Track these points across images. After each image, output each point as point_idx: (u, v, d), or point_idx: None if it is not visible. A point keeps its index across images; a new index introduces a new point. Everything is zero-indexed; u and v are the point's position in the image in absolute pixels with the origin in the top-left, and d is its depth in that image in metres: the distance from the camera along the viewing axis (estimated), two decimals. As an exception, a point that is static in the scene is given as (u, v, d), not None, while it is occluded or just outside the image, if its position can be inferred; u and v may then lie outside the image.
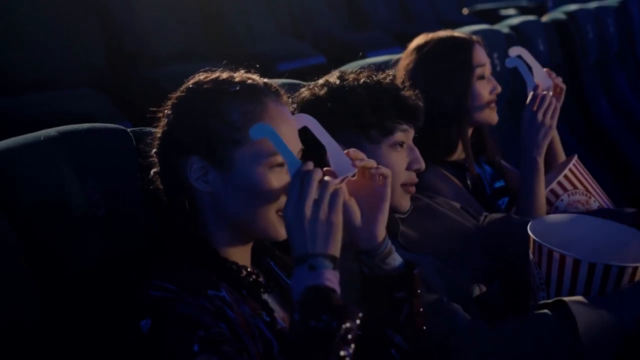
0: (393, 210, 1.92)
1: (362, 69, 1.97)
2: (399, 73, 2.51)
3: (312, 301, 1.35)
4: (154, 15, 3.90)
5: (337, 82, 1.93)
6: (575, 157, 2.58)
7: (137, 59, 3.54)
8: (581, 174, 2.54)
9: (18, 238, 1.46)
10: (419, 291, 1.61)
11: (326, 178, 1.42)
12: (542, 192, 2.42)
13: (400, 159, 1.94)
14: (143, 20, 3.80)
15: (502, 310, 2.23)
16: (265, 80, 1.57)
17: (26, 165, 1.50)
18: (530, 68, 2.54)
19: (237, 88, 1.51)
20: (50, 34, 3.22)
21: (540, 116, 2.42)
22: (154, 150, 1.56)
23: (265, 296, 1.57)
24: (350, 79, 1.92)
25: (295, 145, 1.53)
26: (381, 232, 1.62)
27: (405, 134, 1.93)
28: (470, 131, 2.55)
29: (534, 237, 1.99)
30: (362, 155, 1.60)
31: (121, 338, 1.40)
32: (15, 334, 1.42)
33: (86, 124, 1.64)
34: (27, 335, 1.44)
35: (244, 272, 1.54)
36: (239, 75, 1.56)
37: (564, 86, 2.61)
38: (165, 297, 1.38)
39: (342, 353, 1.33)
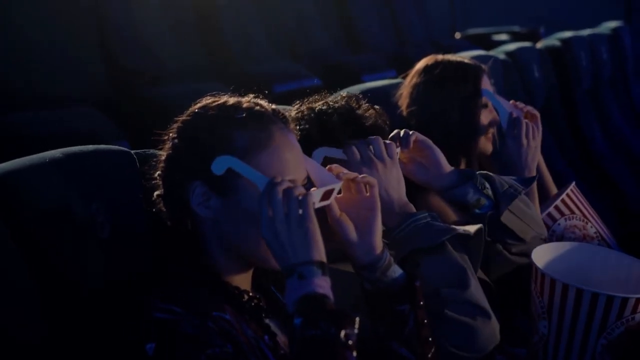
0: None
1: (321, 98, 1.96)
2: (404, 91, 2.52)
3: (307, 310, 1.34)
4: (154, 35, 3.91)
5: (294, 113, 1.93)
6: (573, 183, 2.59)
7: (136, 79, 3.54)
8: (579, 200, 2.55)
9: (24, 259, 1.45)
10: (421, 303, 1.60)
11: (286, 184, 1.42)
12: (538, 212, 2.42)
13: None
14: (143, 40, 3.81)
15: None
16: (274, 106, 1.56)
17: (31, 187, 1.49)
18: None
19: (244, 115, 1.50)
20: (50, 52, 3.21)
21: (523, 138, 2.43)
22: (158, 172, 1.55)
23: (267, 321, 1.56)
24: (305, 108, 1.92)
25: (300, 173, 1.53)
26: (378, 243, 1.62)
27: None
28: (475, 156, 2.55)
29: (537, 265, 1.98)
30: (343, 169, 1.62)
31: None
32: (20, 355, 1.41)
33: (91, 146, 1.63)
34: (32, 356, 1.42)
35: (246, 297, 1.54)
36: (247, 101, 1.54)
37: (536, 112, 2.63)
38: (170, 319, 1.38)
39: (344, 358, 1.32)
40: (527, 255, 2.07)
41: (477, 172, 2.05)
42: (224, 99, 1.55)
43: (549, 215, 2.48)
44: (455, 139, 2.44)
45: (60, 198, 1.50)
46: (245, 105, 1.52)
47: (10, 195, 1.46)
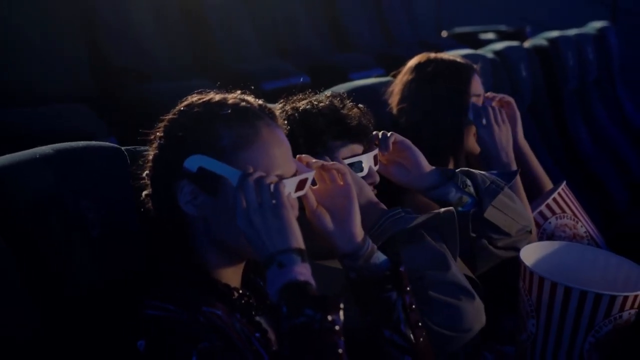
0: None
1: (305, 97, 1.96)
2: (395, 88, 2.53)
3: (291, 298, 1.34)
4: (142, 33, 3.90)
5: (277, 112, 1.92)
6: (564, 183, 2.60)
7: (122, 76, 3.52)
8: (569, 199, 2.56)
9: (14, 256, 1.44)
10: (408, 288, 1.60)
11: (257, 175, 1.42)
12: (525, 204, 2.42)
13: None
14: (131, 38, 3.80)
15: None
16: (260, 102, 1.56)
17: (21, 183, 1.48)
18: None
19: (229, 111, 1.49)
20: (37, 49, 3.19)
21: (492, 122, 2.44)
22: (146, 172, 1.55)
23: (259, 317, 1.56)
24: (289, 108, 1.92)
25: (289, 168, 1.52)
26: (358, 231, 1.62)
27: (351, 150, 1.93)
28: (463, 155, 2.55)
29: (525, 264, 1.99)
30: (311, 158, 1.63)
31: (120, 358, 1.39)
32: (9, 353, 1.40)
33: (82, 142, 1.62)
34: (22, 354, 1.42)
35: (236, 295, 1.53)
36: (232, 97, 1.54)
37: (510, 99, 2.64)
38: (161, 316, 1.38)
39: (334, 344, 1.32)
40: (513, 248, 2.09)
41: (458, 170, 2.06)
42: (209, 95, 1.54)
43: (540, 213, 2.49)
44: (445, 137, 2.45)
45: (50, 194, 1.49)
46: (230, 101, 1.52)
47: (0, 191, 1.45)
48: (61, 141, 1.61)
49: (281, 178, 1.48)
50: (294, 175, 1.53)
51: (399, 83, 2.54)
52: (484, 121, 2.44)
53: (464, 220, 2.01)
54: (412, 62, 2.54)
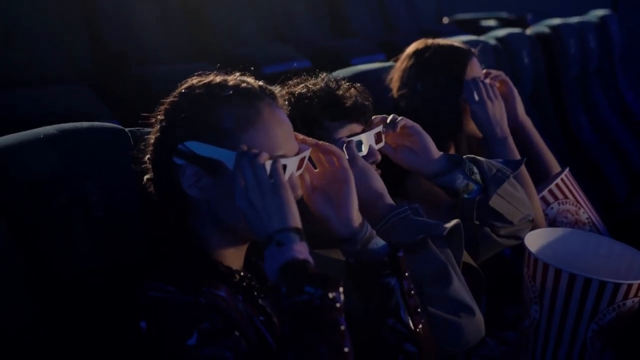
0: None
1: (301, 81, 1.96)
2: (395, 75, 2.53)
3: (290, 277, 1.34)
4: (141, 17, 3.87)
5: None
6: (567, 169, 2.60)
7: (122, 58, 3.50)
8: (572, 185, 2.56)
9: (15, 236, 1.43)
10: (406, 273, 1.59)
11: (253, 153, 1.41)
12: (533, 191, 2.41)
13: None
14: (130, 23, 3.77)
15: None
16: (261, 83, 1.55)
17: (25, 163, 1.47)
18: None
19: (230, 92, 1.49)
20: (36, 30, 3.17)
21: (484, 97, 2.43)
22: (147, 156, 1.53)
23: (261, 301, 1.56)
24: (285, 93, 1.91)
25: (291, 148, 1.52)
26: (355, 216, 1.61)
27: (350, 130, 1.92)
28: (464, 138, 2.55)
29: (530, 250, 1.99)
30: (306, 138, 1.62)
31: (122, 339, 1.38)
32: (12, 336, 1.39)
33: (86, 123, 1.61)
34: (25, 337, 1.41)
35: (237, 277, 1.53)
36: (233, 78, 1.53)
37: (506, 78, 2.67)
38: (162, 297, 1.38)
39: (336, 321, 1.31)
40: (515, 237, 2.08)
41: (465, 157, 2.05)
42: (210, 77, 1.53)
43: (543, 198, 2.49)
44: (444, 121, 2.45)
45: (53, 175, 1.48)
46: (231, 83, 1.51)
47: (3, 170, 1.44)
48: (63, 122, 1.60)
49: (283, 157, 1.48)
50: (297, 154, 1.52)
51: (398, 69, 2.54)
52: (476, 97, 2.43)
53: (469, 207, 2.01)
54: (411, 49, 2.55)
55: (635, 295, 1.93)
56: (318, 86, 1.92)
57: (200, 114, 1.47)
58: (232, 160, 1.43)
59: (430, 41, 2.55)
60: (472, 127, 2.52)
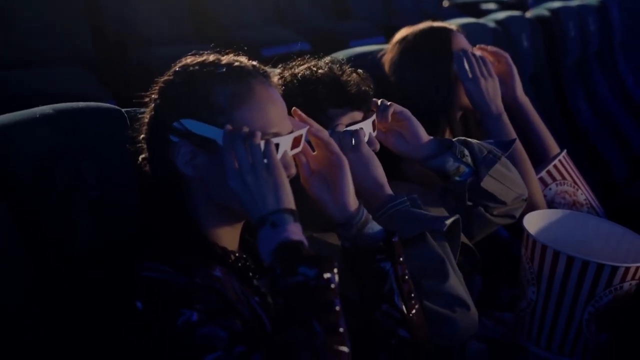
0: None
1: (303, 62, 1.95)
2: (385, 66, 2.53)
3: (285, 258, 1.34)
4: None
5: (276, 79, 1.91)
6: (565, 151, 2.59)
7: (122, 41, 3.50)
8: (570, 167, 2.56)
9: (12, 215, 1.43)
10: (401, 259, 1.60)
11: (245, 132, 1.42)
12: (529, 169, 2.40)
13: None
14: (129, 3, 3.76)
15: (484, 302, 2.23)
16: (254, 62, 1.55)
17: (21, 142, 1.47)
18: None
19: (224, 70, 1.49)
20: (36, 12, 3.16)
21: (477, 74, 2.43)
22: (142, 136, 1.53)
23: (256, 282, 1.56)
24: (287, 75, 1.91)
25: (285, 126, 1.52)
26: (351, 201, 1.62)
27: (351, 118, 1.91)
28: (458, 115, 2.55)
29: (528, 232, 1.98)
30: (304, 115, 1.65)
31: (118, 319, 1.39)
32: (9, 316, 1.40)
33: (82, 103, 1.61)
34: (22, 317, 1.42)
35: (232, 257, 1.53)
36: (227, 57, 1.53)
37: (504, 53, 2.66)
38: (157, 277, 1.38)
39: (331, 302, 1.32)
40: (509, 216, 2.09)
41: (457, 139, 2.06)
42: (204, 56, 1.54)
43: (541, 179, 2.49)
44: (437, 101, 2.45)
45: (50, 154, 1.48)
46: (225, 61, 1.52)
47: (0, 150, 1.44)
48: (59, 103, 1.60)
49: (277, 135, 1.48)
50: (290, 133, 1.52)
51: (386, 61, 2.53)
52: (468, 73, 2.42)
53: (461, 189, 2.02)
54: (395, 39, 2.55)
55: (633, 279, 1.93)
56: (322, 71, 1.91)
57: (194, 91, 1.47)
58: (220, 137, 1.43)
59: (411, 28, 2.55)
60: (466, 102, 2.51)
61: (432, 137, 2.04)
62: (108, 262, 1.50)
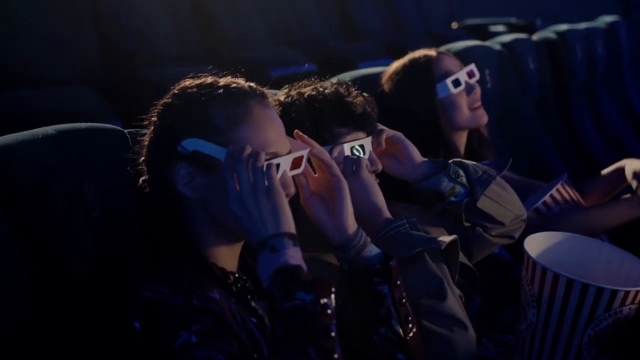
0: None
1: (310, 83, 1.97)
2: (386, 93, 2.57)
3: (283, 282, 1.35)
4: (150, 19, 3.90)
5: (282, 97, 1.93)
6: (566, 175, 2.60)
7: (131, 60, 3.53)
8: (572, 190, 2.57)
9: (13, 235, 1.44)
10: (398, 282, 1.61)
11: (247, 153, 1.43)
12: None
13: None
14: (138, 23, 3.80)
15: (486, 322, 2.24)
16: (251, 83, 1.57)
17: (23, 163, 1.49)
18: None
19: (221, 92, 1.51)
20: (45, 31, 3.20)
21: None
22: (142, 158, 1.55)
23: (255, 303, 1.56)
24: (294, 94, 1.92)
25: (283, 146, 1.54)
26: (350, 223, 1.63)
27: (355, 137, 1.92)
28: (460, 136, 2.58)
29: (529, 254, 1.99)
30: (306, 137, 1.66)
31: (115, 338, 1.39)
32: (8, 332, 1.41)
33: (84, 124, 1.62)
34: (20, 333, 1.43)
35: (232, 278, 1.54)
36: (224, 79, 1.55)
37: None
38: (156, 298, 1.39)
39: (327, 327, 1.33)
40: (508, 236, 2.11)
41: (451, 160, 2.07)
42: (202, 79, 1.56)
43: (545, 203, 2.50)
44: (428, 131, 2.47)
45: (52, 175, 1.50)
46: (222, 83, 1.54)
47: (1, 169, 1.46)
48: (67, 122, 1.62)
49: (275, 156, 1.49)
50: (289, 153, 1.53)
51: (386, 90, 2.57)
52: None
53: (457, 210, 2.03)
54: (386, 72, 2.60)
55: (632, 302, 1.93)
56: (328, 90, 1.93)
57: (193, 113, 1.49)
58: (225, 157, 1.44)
59: (398, 61, 2.60)
60: (467, 118, 2.56)
61: (425, 159, 2.06)
62: (107, 280, 1.51)
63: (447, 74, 2.53)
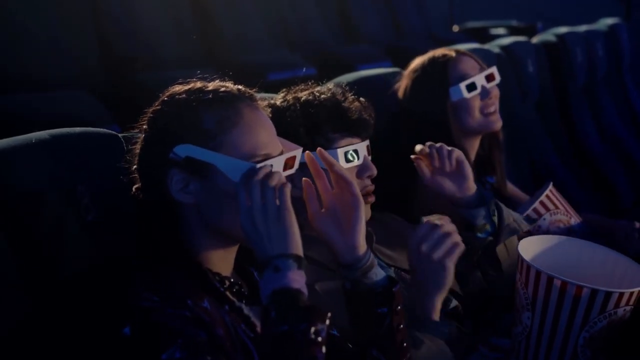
0: None
1: (307, 87, 1.97)
2: (401, 93, 2.57)
3: (281, 304, 1.35)
4: (149, 22, 3.91)
5: (279, 101, 1.93)
6: (551, 183, 2.59)
7: (130, 64, 3.53)
8: (559, 197, 2.57)
9: (7, 239, 1.45)
10: (399, 307, 1.61)
11: (263, 173, 1.43)
12: None
13: (348, 168, 1.91)
14: (138, 27, 3.81)
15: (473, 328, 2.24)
16: (239, 86, 1.57)
17: (17, 168, 1.49)
18: None
19: (210, 96, 1.51)
20: (44, 35, 3.21)
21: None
22: (134, 167, 1.55)
23: (248, 309, 1.56)
24: (290, 98, 1.92)
25: (275, 148, 1.54)
26: (361, 243, 1.63)
27: (348, 143, 1.92)
28: (472, 140, 2.58)
29: (523, 257, 1.99)
30: (327, 154, 1.65)
31: (105, 345, 1.40)
32: (2, 336, 1.41)
33: (78, 128, 1.63)
34: (15, 337, 1.43)
35: (227, 283, 1.54)
36: (213, 84, 1.56)
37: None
38: (147, 307, 1.38)
39: (314, 357, 1.33)
40: (499, 282, 2.11)
41: (492, 200, 2.07)
42: (191, 84, 1.56)
43: (535, 210, 2.49)
44: (439, 133, 2.46)
45: (45, 179, 1.50)
46: (210, 87, 1.54)
47: (-4, 174, 1.46)
48: (63, 127, 1.63)
49: (268, 157, 1.49)
50: (281, 154, 1.54)
51: (399, 89, 2.59)
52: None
53: (477, 246, 2.03)
54: (408, 68, 2.59)
55: (627, 304, 1.93)
56: (324, 95, 1.92)
57: (183, 119, 1.49)
58: (218, 161, 1.45)
59: (420, 57, 2.58)
60: (479, 123, 2.53)
61: (476, 187, 2.05)
62: (101, 285, 1.51)
63: (463, 77, 2.51)
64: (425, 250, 1.76)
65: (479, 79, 2.53)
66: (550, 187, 2.55)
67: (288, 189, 1.43)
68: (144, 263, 1.51)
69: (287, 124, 1.83)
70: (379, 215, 2.13)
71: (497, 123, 2.56)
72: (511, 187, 2.80)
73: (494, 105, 2.56)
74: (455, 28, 6.99)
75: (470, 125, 2.53)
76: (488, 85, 2.55)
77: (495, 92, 2.57)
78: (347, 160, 1.90)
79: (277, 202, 1.41)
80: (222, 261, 1.56)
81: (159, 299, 1.39)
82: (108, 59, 3.55)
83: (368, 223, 2.01)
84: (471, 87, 2.51)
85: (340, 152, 1.89)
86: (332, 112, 1.90)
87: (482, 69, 2.57)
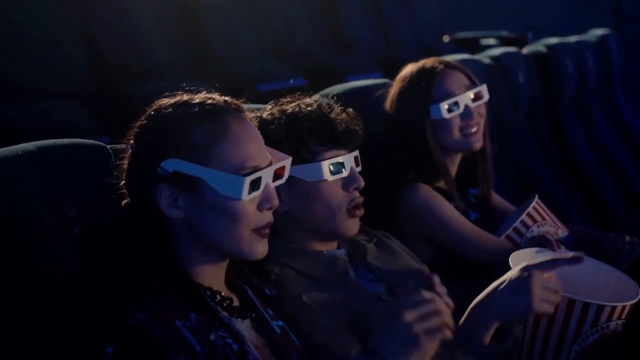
0: (339, 234, 1.93)
1: (294, 99, 1.95)
2: (388, 101, 2.55)
3: None
4: (139, 32, 3.90)
5: (265, 114, 1.92)
6: (537, 196, 2.58)
7: (119, 75, 3.53)
8: (546, 209, 2.56)
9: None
10: None
11: (426, 295, 1.45)
12: None
13: (334, 181, 1.89)
14: (128, 37, 3.80)
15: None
16: (226, 98, 1.56)
17: (3, 179, 1.47)
18: None
19: (197, 110, 1.50)
20: (34, 46, 3.19)
21: None
22: (122, 182, 1.54)
23: (239, 322, 1.55)
24: (276, 111, 1.91)
25: (263, 159, 1.53)
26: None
27: (336, 155, 1.90)
28: (452, 158, 2.57)
29: (514, 271, 1.98)
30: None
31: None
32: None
33: (65, 140, 1.61)
34: (6, 351, 1.41)
35: (218, 297, 1.53)
36: (199, 96, 1.54)
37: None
38: (133, 325, 1.37)
39: None
40: None
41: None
42: (177, 97, 1.54)
43: (522, 222, 2.48)
44: (415, 149, 2.48)
45: (31, 191, 1.49)
46: (197, 100, 1.52)
47: (-20, 187, 1.44)
48: (51, 138, 1.61)
49: (257, 169, 1.48)
50: (270, 165, 1.53)
51: (390, 96, 2.58)
52: None
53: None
54: (398, 76, 2.57)
55: (619, 318, 1.92)
56: (310, 108, 1.91)
57: (170, 133, 1.48)
58: (207, 175, 1.45)
59: (411, 65, 2.56)
60: (458, 143, 2.52)
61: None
62: (87, 300, 1.49)
63: (448, 95, 2.47)
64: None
65: (464, 99, 2.49)
66: (537, 199, 2.54)
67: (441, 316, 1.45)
68: (131, 278, 1.49)
69: (271, 136, 1.81)
70: (370, 229, 2.12)
71: (476, 144, 2.52)
72: (497, 198, 2.78)
73: (476, 126, 2.52)
74: (446, 38, 7.01)
75: (448, 144, 2.51)
76: (473, 105, 2.50)
77: (481, 111, 2.53)
78: (332, 173, 1.88)
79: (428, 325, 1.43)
80: (213, 275, 1.55)
81: (145, 318, 1.37)
82: (98, 69, 3.54)
83: (359, 235, 2.00)
84: (452, 108, 2.47)
85: (324, 164, 1.86)
86: (317, 124, 1.89)
87: (471, 85, 2.54)
